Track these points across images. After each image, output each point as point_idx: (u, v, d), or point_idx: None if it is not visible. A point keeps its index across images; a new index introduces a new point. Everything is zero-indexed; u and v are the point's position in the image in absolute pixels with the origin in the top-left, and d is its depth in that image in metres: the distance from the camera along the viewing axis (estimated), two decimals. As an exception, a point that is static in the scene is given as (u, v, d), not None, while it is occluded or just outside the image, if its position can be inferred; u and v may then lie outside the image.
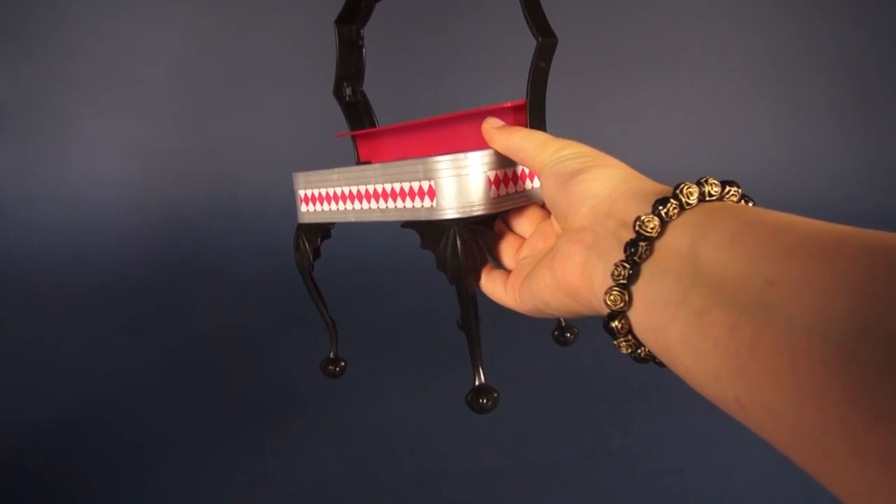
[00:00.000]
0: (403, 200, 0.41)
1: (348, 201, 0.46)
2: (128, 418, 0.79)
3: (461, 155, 0.37)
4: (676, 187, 0.23)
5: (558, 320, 0.54)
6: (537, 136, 0.34)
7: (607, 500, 0.61)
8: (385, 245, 1.29)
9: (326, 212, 0.49)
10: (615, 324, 0.24)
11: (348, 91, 0.53)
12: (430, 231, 0.39)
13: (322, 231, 0.51)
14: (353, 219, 0.46)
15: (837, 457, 0.15)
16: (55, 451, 0.70)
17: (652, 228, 0.23)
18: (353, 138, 0.54)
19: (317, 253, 0.52)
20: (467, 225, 0.38)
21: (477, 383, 0.39)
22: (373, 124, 0.57)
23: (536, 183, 0.41)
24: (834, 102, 1.78)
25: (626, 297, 0.23)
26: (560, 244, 0.29)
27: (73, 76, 1.63)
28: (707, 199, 0.23)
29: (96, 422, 0.78)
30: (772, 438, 0.18)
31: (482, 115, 0.42)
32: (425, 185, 0.39)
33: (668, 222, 0.23)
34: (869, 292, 0.15)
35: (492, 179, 0.38)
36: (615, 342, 0.25)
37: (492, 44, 1.60)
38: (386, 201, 0.42)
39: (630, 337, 0.24)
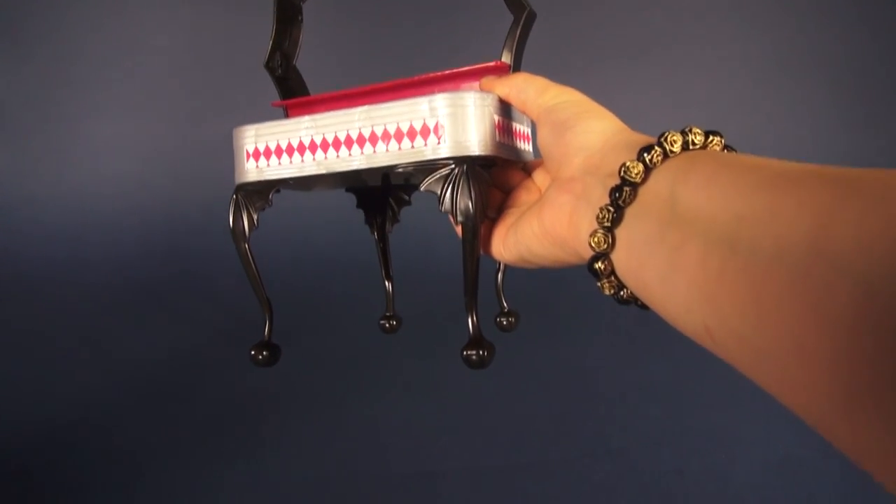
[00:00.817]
0: (399, 142, 0.38)
1: (319, 151, 0.41)
2: (127, 418, 0.79)
3: (471, 92, 0.37)
4: (661, 136, 0.24)
5: (500, 306, 0.55)
6: (539, 80, 0.35)
7: (607, 500, 0.61)
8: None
9: (285, 167, 0.43)
10: (598, 265, 0.25)
11: (280, 64, 0.50)
12: (431, 172, 0.38)
13: (268, 193, 0.45)
14: (322, 171, 0.41)
15: (791, 369, 0.16)
16: (55, 451, 0.71)
17: (636, 174, 0.24)
18: (285, 109, 0.50)
19: (256, 222, 0.46)
20: (475, 164, 0.37)
21: (471, 332, 0.38)
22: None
23: (523, 145, 0.41)
24: (834, 102, 1.78)
25: (610, 239, 0.25)
26: (550, 193, 0.30)
27: (73, 76, 1.63)
28: (691, 147, 0.24)
29: (96, 421, 0.78)
30: (735, 361, 0.19)
31: (461, 77, 0.41)
32: (431, 122, 0.37)
33: (651, 169, 0.24)
34: (824, 218, 0.16)
35: (496, 123, 0.38)
36: (598, 283, 0.26)
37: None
38: (374, 146, 0.39)
39: (613, 279, 0.26)
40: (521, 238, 0.32)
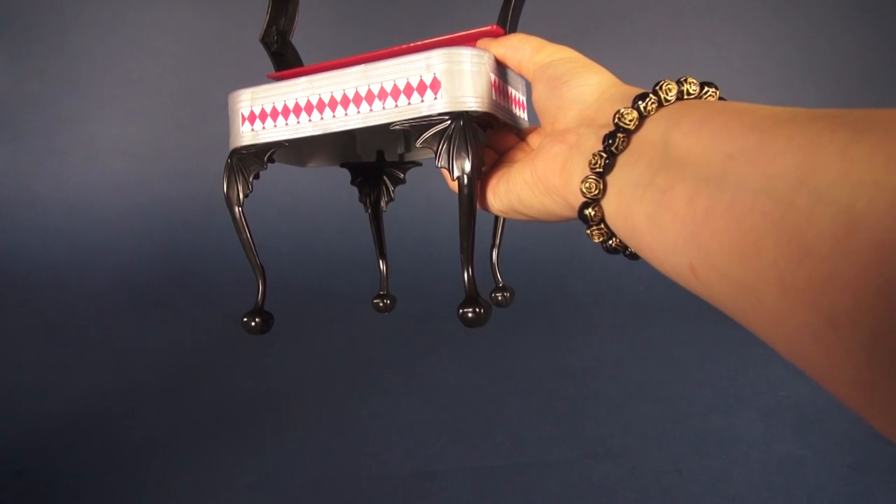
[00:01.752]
0: (396, 99, 0.38)
1: (315, 112, 0.41)
2: (127, 418, 0.79)
3: (468, 48, 0.37)
4: (657, 84, 0.24)
5: (496, 281, 0.54)
6: (534, 39, 0.35)
7: (607, 500, 0.61)
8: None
9: (280, 128, 0.43)
10: (589, 211, 0.25)
11: (276, 39, 0.50)
12: (427, 129, 0.38)
13: (263, 157, 0.45)
14: (317, 132, 0.41)
15: (770, 300, 0.16)
16: (54, 451, 0.71)
17: (630, 121, 0.24)
18: (280, 79, 0.52)
19: (251, 186, 0.46)
20: (471, 119, 0.37)
21: (467, 288, 0.38)
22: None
23: (519, 111, 0.42)
24: (835, 102, 1.78)
25: (601, 186, 0.25)
26: (544, 143, 0.30)
27: (74, 76, 1.63)
28: (686, 97, 0.24)
29: (96, 421, 0.78)
30: (717, 299, 0.19)
31: (457, 41, 0.41)
32: (427, 78, 0.37)
33: (645, 117, 0.24)
34: (809, 152, 0.16)
35: (493, 82, 0.38)
36: (588, 231, 0.26)
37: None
38: (371, 104, 0.39)
39: (602, 226, 0.26)
40: (513, 187, 0.33)
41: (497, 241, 0.57)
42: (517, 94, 0.42)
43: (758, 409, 0.81)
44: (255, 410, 0.81)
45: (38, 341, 1.08)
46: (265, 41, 0.49)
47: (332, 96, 0.41)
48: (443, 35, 0.42)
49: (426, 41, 0.41)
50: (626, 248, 0.26)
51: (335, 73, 0.40)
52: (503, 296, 0.54)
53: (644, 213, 0.22)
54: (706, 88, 0.24)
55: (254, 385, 0.89)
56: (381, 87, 0.39)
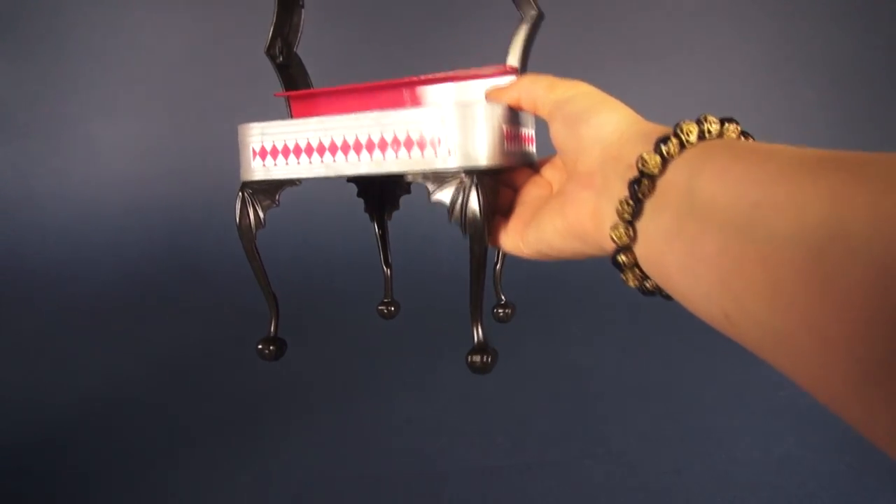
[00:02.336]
0: (409, 150, 0.38)
1: (327, 154, 0.42)
2: (127, 417, 0.79)
3: (481, 104, 0.37)
4: (677, 126, 0.24)
5: (497, 297, 0.57)
6: (545, 77, 0.35)
7: (607, 500, 0.61)
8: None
9: (293, 167, 0.43)
10: (622, 258, 0.26)
11: (281, 51, 0.50)
12: (439, 181, 0.38)
13: (275, 194, 0.45)
14: (330, 174, 0.41)
15: (807, 351, 0.16)
16: (55, 451, 0.71)
17: (654, 166, 0.24)
18: (287, 99, 0.50)
19: (263, 221, 0.46)
20: (483, 176, 0.37)
21: (476, 341, 0.39)
22: (309, 86, 0.54)
23: (529, 147, 0.41)
24: (836, 103, 1.78)
25: (631, 232, 0.25)
26: (570, 189, 0.30)
27: (74, 76, 1.63)
28: (707, 136, 0.24)
29: (96, 421, 0.78)
30: (754, 346, 0.19)
31: (470, 79, 0.41)
32: (441, 132, 0.37)
33: (668, 160, 0.24)
34: (839, 202, 0.16)
35: (505, 133, 0.38)
36: (623, 276, 0.26)
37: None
38: (384, 152, 0.39)
39: (636, 270, 0.26)
40: (544, 235, 0.32)
41: (500, 258, 0.59)
42: (527, 131, 0.42)
43: (758, 409, 0.81)
44: (256, 410, 0.81)
45: (38, 340, 1.08)
46: (269, 53, 0.49)
47: (344, 140, 0.41)
48: (456, 71, 0.42)
49: (438, 75, 0.42)
50: (660, 290, 0.26)
51: (348, 118, 0.41)
52: (504, 312, 0.57)
53: (676, 261, 0.22)
54: (726, 125, 0.24)
55: (254, 384, 0.89)
56: (395, 135, 0.39)
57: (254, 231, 0.47)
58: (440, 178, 0.38)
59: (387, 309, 0.60)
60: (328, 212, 1.43)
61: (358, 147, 0.40)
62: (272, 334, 0.52)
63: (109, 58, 1.64)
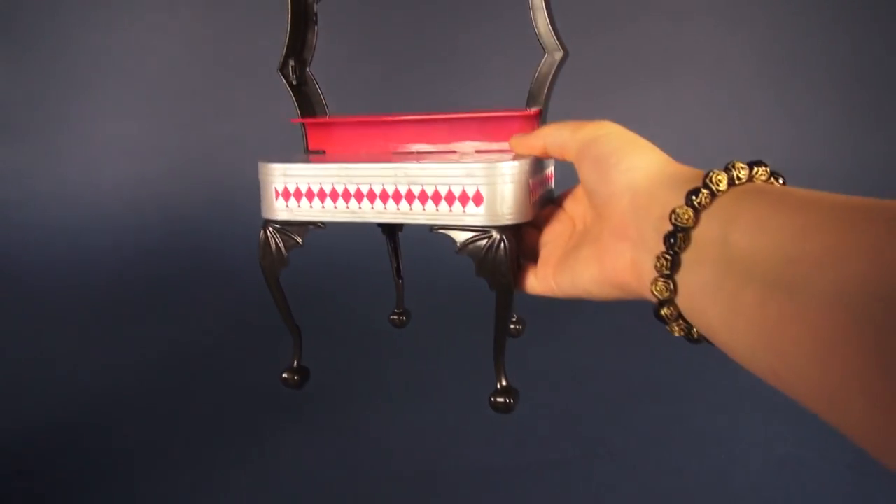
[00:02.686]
0: (437, 204, 0.39)
1: (353, 200, 0.42)
2: (127, 418, 0.79)
3: (512, 163, 0.38)
4: (706, 175, 0.24)
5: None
6: (566, 123, 0.35)
7: (607, 500, 0.61)
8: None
9: (317, 210, 0.44)
10: (665, 311, 0.26)
11: (294, 70, 0.50)
12: (465, 234, 0.39)
13: (300, 235, 0.46)
14: (356, 219, 0.42)
15: (857, 409, 0.16)
16: (54, 451, 0.71)
17: (687, 219, 0.24)
18: (304, 125, 0.50)
19: (286, 259, 0.47)
20: (509, 230, 0.38)
21: (500, 385, 0.42)
22: (322, 108, 0.54)
23: (550, 184, 0.42)
24: (834, 104, 1.78)
25: (671, 286, 0.25)
26: (605, 239, 0.30)
27: (73, 76, 1.63)
28: (736, 182, 0.24)
29: (95, 421, 0.78)
30: (807, 403, 0.19)
31: (490, 120, 0.43)
32: (471, 190, 0.38)
33: (700, 211, 0.24)
34: (878, 259, 0.16)
35: (531, 186, 0.39)
36: (667, 327, 0.27)
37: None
38: (411, 203, 0.40)
39: (681, 321, 0.26)
40: (579, 281, 0.32)
41: None
42: (549, 170, 0.43)
43: (758, 409, 0.81)
44: (256, 410, 0.81)
45: (38, 340, 1.08)
46: (283, 73, 0.49)
47: (370, 189, 0.41)
48: (480, 112, 0.43)
49: (461, 115, 0.43)
50: (708, 339, 0.26)
51: (373, 167, 0.41)
52: (516, 328, 0.60)
53: (718, 316, 0.22)
54: (756, 169, 0.24)
55: (253, 385, 0.89)
56: (423, 189, 0.39)
57: (277, 269, 0.48)
58: (471, 235, 0.39)
59: (398, 318, 0.62)
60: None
61: (385, 197, 0.41)
62: (297, 363, 0.54)
63: (109, 58, 1.64)
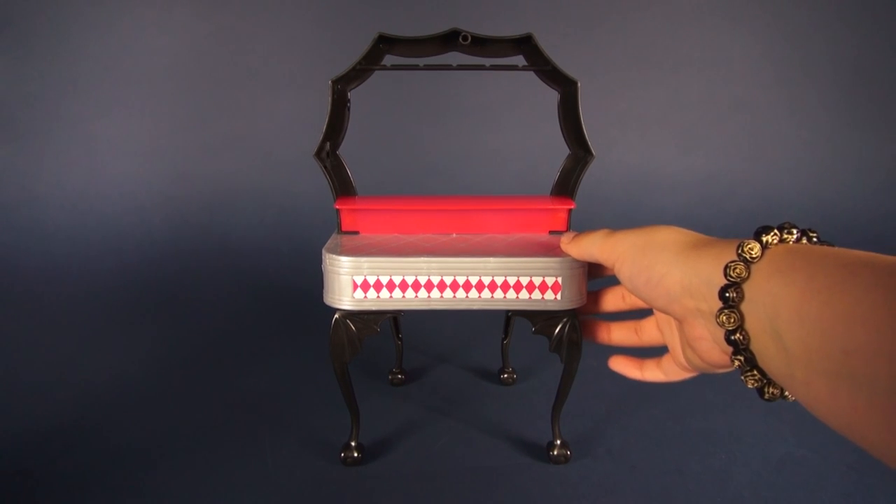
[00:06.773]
0: (518, 292, 0.45)
1: (434, 289, 0.46)
2: (127, 418, 0.79)
3: (575, 262, 0.46)
4: (726, 269, 0.27)
5: (504, 364, 0.80)
6: (597, 235, 0.41)
7: (607, 500, 0.61)
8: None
9: (397, 300, 0.47)
10: (768, 393, 0.29)
11: (328, 154, 0.53)
12: (544, 318, 0.48)
13: (376, 324, 0.50)
14: (439, 307, 0.47)
15: None
16: (54, 451, 0.71)
17: (733, 323, 0.27)
18: (338, 211, 0.55)
19: (360, 346, 0.51)
20: (574, 312, 0.48)
21: (560, 440, 0.59)
22: (351, 186, 0.59)
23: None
24: (836, 103, 1.78)
25: (757, 374, 0.29)
26: (693, 342, 0.35)
27: (74, 76, 1.63)
28: (752, 260, 0.27)
29: (95, 421, 0.78)
30: (886, 461, 0.21)
31: (529, 212, 0.51)
32: (549, 280, 0.45)
33: (735, 306, 0.27)
34: None
35: (587, 272, 0.48)
36: (764, 398, 0.30)
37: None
38: (493, 292, 0.45)
39: (774, 389, 0.29)
40: (697, 365, 0.37)
41: (508, 334, 0.78)
42: None
43: (758, 409, 0.81)
44: (255, 410, 0.81)
45: (37, 341, 1.08)
46: (318, 156, 0.52)
47: (454, 280, 0.46)
48: (521, 200, 0.52)
49: (504, 203, 0.51)
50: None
51: (457, 261, 0.46)
52: (510, 377, 0.76)
53: (802, 398, 0.24)
54: (764, 238, 0.27)
55: (253, 385, 0.89)
56: (505, 279, 0.45)
57: (348, 357, 0.51)
58: (548, 318, 0.48)
59: (395, 378, 0.70)
60: (329, 213, 1.43)
61: (468, 286, 0.46)
62: (355, 440, 0.62)
63: (109, 58, 1.64)
